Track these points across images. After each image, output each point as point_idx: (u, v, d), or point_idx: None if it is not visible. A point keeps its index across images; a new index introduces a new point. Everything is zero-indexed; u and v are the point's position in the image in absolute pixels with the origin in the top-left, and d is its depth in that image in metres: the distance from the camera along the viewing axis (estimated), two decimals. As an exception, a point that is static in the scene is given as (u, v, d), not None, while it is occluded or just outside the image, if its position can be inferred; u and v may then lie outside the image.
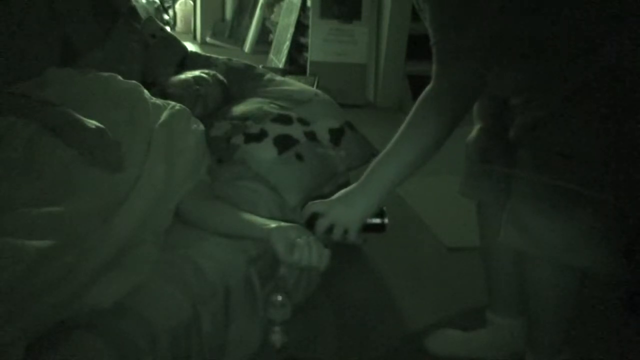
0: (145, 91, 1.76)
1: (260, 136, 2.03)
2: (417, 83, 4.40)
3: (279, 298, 1.72)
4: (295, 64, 4.73)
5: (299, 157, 2.01)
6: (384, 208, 1.46)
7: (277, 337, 1.72)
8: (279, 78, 2.50)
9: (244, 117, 2.10)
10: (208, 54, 2.66)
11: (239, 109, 2.17)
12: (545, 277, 1.62)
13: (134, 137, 1.59)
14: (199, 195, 1.63)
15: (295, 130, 2.09)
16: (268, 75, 2.49)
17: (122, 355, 1.22)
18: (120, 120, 1.63)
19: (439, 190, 3.12)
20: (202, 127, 1.76)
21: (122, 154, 1.54)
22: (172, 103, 1.75)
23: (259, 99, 2.25)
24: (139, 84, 1.78)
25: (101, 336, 1.22)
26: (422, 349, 1.96)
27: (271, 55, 4.97)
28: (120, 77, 1.76)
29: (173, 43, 2.62)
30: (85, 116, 1.57)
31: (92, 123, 1.54)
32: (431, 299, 2.25)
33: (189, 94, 2.02)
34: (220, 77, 2.20)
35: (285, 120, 2.11)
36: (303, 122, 2.15)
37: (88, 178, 1.47)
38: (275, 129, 2.06)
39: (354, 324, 2.08)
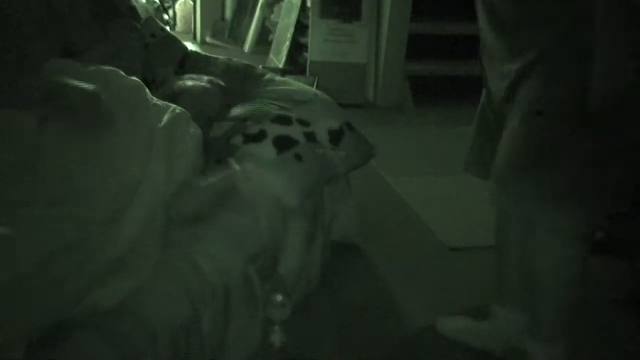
0: (148, 92, 1.76)
1: (260, 137, 2.02)
2: (417, 83, 4.41)
3: (279, 298, 1.72)
4: (295, 64, 4.72)
5: (299, 158, 2.01)
6: None
7: (277, 337, 1.72)
8: (279, 78, 2.50)
9: (244, 118, 2.10)
10: (208, 54, 2.66)
11: (238, 109, 2.17)
12: (550, 258, 1.69)
13: (135, 137, 1.59)
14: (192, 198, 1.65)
15: (295, 131, 2.09)
16: (268, 76, 2.49)
17: (122, 355, 1.22)
18: (120, 117, 1.63)
19: (439, 190, 3.12)
20: (199, 131, 1.77)
21: (106, 107, 1.55)
22: (173, 106, 1.76)
23: (259, 99, 2.25)
24: (141, 83, 1.78)
25: (101, 336, 1.23)
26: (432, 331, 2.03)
27: (271, 55, 4.97)
28: (122, 73, 1.76)
29: (173, 42, 2.62)
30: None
31: (78, 86, 1.56)
32: (431, 299, 2.25)
33: (201, 113, 2.03)
34: (222, 83, 2.21)
35: (285, 121, 2.11)
36: (303, 122, 2.14)
37: (91, 180, 1.47)
38: (275, 130, 2.05)
39: (354, 324, 2.08)
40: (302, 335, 1.91)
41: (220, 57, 2.59)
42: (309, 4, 4.49)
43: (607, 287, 2.31)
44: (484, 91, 1.82)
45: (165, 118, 1.68)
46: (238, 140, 2.01)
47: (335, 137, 2.20)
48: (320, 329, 2.03)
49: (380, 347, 1.99)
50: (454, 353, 1.98)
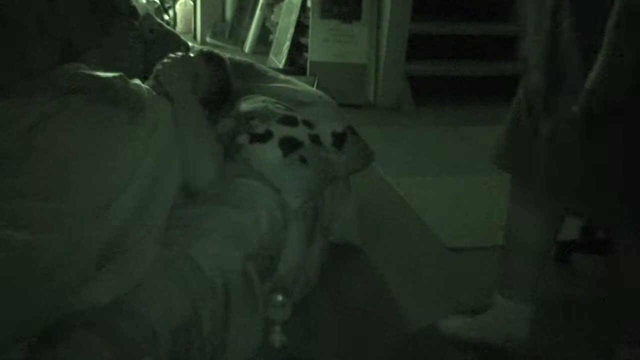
0: (145, 89, 1.77)
1: (266, 137, 2.02)
2: (417, 83, 4.41)
3: (279, 298, 1.72)
4: (295, 64, 4.72)
5: (303, 160, 2.01)
6: None
7: (277, 337, 1.73)
8: (282, 76, 2.49)
9: (249, 116, 2.09)
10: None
11: (243, 106, 2.16)
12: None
13: (132, 136, 1.60)
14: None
15: (300, 133, 2.08)
16: (272, 73, 2.48)
17: (121, 354, 1.22)
18: (120, 118, 1.64)
19: (439, 190, 3.12)
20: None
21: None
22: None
23: (263, 97, 2.23)
24: (141, 85, 1.79)
25: (101, 335, 1.22)
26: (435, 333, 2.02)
27: (271, 56, 4.96)
28: (126, 77, 1.78)
29: (172, 38, 2.61)
30: (87, 113, 1.59)
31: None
32: (431, 299, 2.25)
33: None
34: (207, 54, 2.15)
35: (291, 121, 2.10)
36: (308, 124, 2.14)
37: (84, 175, 1.48)
38: (281, 130, 2.05)
39: (354, 324, 2.08)
40: (302, 335, 1.91)
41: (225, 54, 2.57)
42: (309, 4, 4.49)
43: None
44: (521, 82, 1.78)
45: (166, 116, 1.69)
46: (244, 138, 2.01)
47: (339, 140, 2.19)
48: (320, 329, 2.03)
49: (380, 347, 1.99)
50: (454, 353, 1.98)
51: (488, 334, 1.93)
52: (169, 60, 1.98)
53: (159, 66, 2.00)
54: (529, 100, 1.71)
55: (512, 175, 1.87)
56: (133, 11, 2.57)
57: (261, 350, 1.71)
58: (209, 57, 2.11)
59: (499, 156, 1.86)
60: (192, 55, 2.09)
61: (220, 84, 2.09)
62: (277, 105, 2.17)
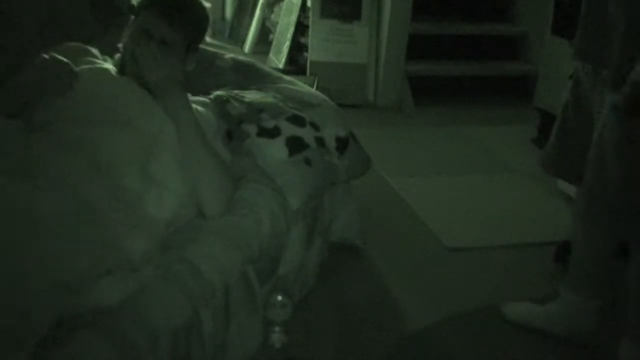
0: (147, 92, 1.75)
1: (274, 133, 2.02)
2: (417, 83, 4.41)
3: (279, 298, 1.72)
4: (295, 64, 4.72)
5: (308, 161, 2.01)
6: None
7: (277, 337, 1.73)
8: (286, 77, 2.49)
9: (260, 107, 2.09)
10: (213, 50, 2.64)
11: (254, 96, 2.15)
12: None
13: (134, 142, 1.58)
14: None
15: (307, 134, 2.08)
16: (276, 74, 2.48)
17: (123, 355, 1.22)
18: (118, 121, 1.62)
19: (439, 190, 3.12)
20: (210, 114, 1.76)
21: (72, 73, 1.64)
22: None
23: (273, 93, 2.23)
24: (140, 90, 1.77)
25: (103, 335, 1.23)
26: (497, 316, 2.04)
27: (271, 55, 4.97)
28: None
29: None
30: (89, 112, 1.58)
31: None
32: (431, 299, 2.25)
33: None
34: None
35: (299, 121, 2.10)
36: (314, 126, 2.14)
37: (91, 186, 1.47)
38: (289, 129, 2.04)
39: (354, 324, 2.08)
40: (302, 335, 1.91)
41: (227, 54, 2.57)
42: (309, 4, 4.49)
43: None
44: (571, 83, 1.79)
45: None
46: (252, 128, 2.00)
47: (342, 144, 2.19)
48: (320, 329, 2.03)
49: (380, 347, 1.99)
50: (454, 353, 1.98)
51: (553, 324, 1.96)
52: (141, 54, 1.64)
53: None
54: (577, 99, 1.71)
55: (563, 180, 1.87)
56: (133, 11, 2.57)
57: (261, 350, 1.71)
58: (168, 16, 1.71)
59: (547, 161, 1.87)
60: (145, 20, 1.75)
61: (199, 27, 1.80)
62: (287, 103, 2.17)
